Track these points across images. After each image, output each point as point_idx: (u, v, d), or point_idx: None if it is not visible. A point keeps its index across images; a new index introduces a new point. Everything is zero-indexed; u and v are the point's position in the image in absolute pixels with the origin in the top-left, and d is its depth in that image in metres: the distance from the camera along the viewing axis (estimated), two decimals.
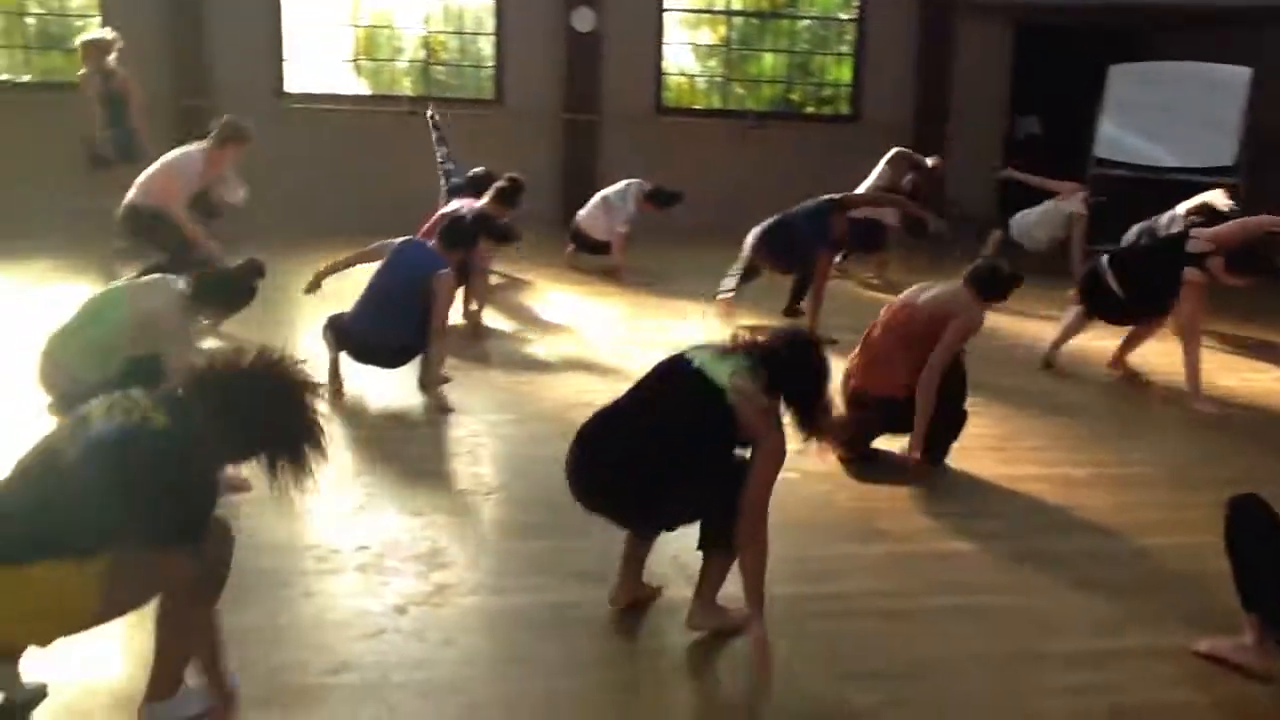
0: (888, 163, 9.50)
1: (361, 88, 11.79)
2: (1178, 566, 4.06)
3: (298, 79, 11.39)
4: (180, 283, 4.71)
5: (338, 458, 4.88)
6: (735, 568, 3.35)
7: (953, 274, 5.33)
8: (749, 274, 7.76)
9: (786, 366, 3.36)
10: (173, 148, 7.28)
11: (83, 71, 8.63)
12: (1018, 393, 6.32)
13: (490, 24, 11.71)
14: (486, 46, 11.83)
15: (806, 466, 4.91)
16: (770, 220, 7.57)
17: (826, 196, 7.60)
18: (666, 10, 12.05)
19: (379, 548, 3.91)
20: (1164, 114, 10.68)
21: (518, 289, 8.54)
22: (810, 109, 13.03)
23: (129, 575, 2.62)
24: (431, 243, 6.16)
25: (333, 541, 3.96)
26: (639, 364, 6.20)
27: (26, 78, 11.18)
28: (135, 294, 4.73)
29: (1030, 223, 9.84)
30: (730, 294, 7.68)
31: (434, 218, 7.69)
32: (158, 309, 4.62)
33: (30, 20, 11.19)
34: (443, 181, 9.05)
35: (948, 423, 4.96)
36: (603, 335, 7.24)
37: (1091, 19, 11.86)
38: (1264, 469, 5.04)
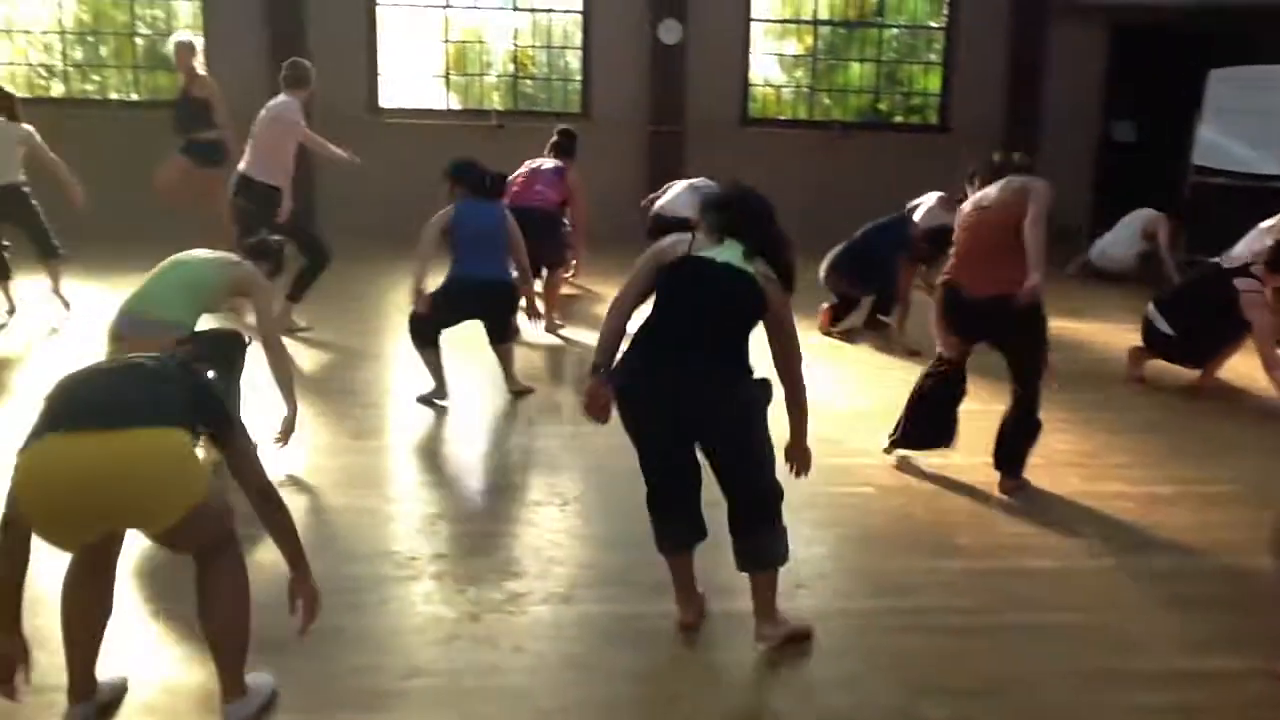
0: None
1: (452, 102, 12.01)
2: (1261, 587, 3.94)
3: (392, 94, 11.69)
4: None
5: (419, 467, 5.03)
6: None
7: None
8: (846, 304, 7.82)
9: (769, 240, 3.47)
10: None
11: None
12: (1103, 407, 6.20)
13: (578, 38, 11.84)
14: (574, 60, 11.97)
15: (883, 481, 4.90)
16: (838, 249, 7.63)
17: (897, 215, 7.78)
18: (753, 21, 12.05)
19: (455, 556, 4.00)
20: (1266, 120, 10.36)
21: (596, 301, 8.62)
22: (898, 118, 12.91)
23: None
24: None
25: (411, 549, 4.05)
26: None
27: (135, 96, 11.64)
28: (218, 257, 4.85)
29: (1107, 244, 9.78)
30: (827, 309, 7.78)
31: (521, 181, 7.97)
32: (252, 268, 4.85)
33: (139, 40, 11.63)
34: None
35: (1024, 431, 4.88)
36: None
37: (1191, 21, 11.54)
38: None
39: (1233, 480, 5.13)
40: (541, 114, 11.68)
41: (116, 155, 10.03)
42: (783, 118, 12.48)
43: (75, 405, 2.76)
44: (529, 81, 12.16)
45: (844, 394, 6.35)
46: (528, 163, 8.29)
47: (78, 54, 11.73)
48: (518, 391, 6.06)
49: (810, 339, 7.64)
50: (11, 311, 7.59)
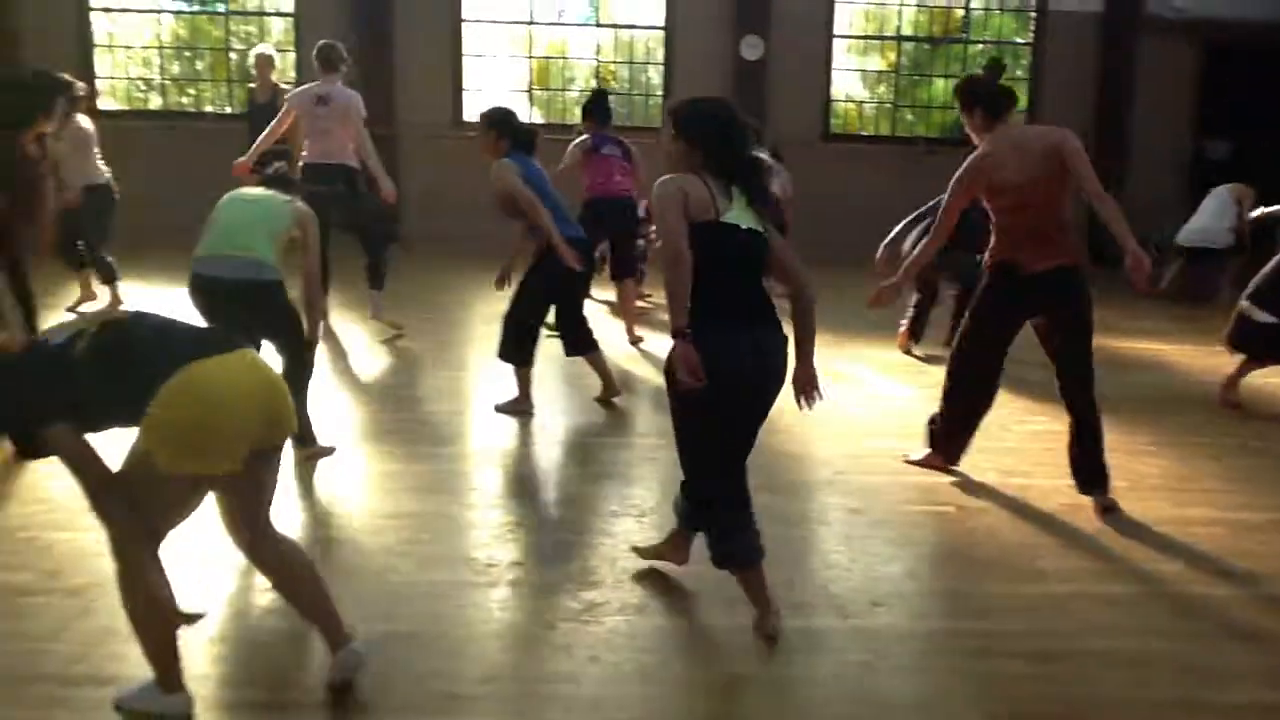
0: None
1: (535, 117, 12.14)
2: None
3: (476, 108, 11.84)
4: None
5: (498, 474, 5.08)
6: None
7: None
8: (925, 305, 7.72)
9: (766, 194, 3.63)
10: None
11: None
12: (1194, 431, 6.05)
13: (660, 54, 11.92)
14: (656, 76, 12.04)
15: (964, 500, 4.84)
16: (916, 225, 7.42)
17: None
18: (836, 37, 12.02)
19: (533, 564, 4.04)
20: None
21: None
22: None
23: None
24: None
25: (490, 556, 4.10)
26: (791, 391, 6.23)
27: (229, 109, 11.97)
28: (276, 194, 5.03)
29: (1202, 222, 9.59)
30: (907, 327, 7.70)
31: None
32: (304, 205, 5.04)
33: (233, 56, 11.97)
34: None
35: (1088, 438, 4.80)
36: None
37: None
38: None
39: None
40: (622, 129, 11.75)
41: (209, 166, 10.32)
42: (865, 133, 12.42)
43: (210, 334, 3.03)
44: (611, 97, 12.24)
45: (925, 412, 6.27)
46: (575, 148, 7.99)
47: (175, 69, 12.11)
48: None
49: (890, 357, 7.59)
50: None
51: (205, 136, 11.24)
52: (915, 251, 5.35)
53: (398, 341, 7.49)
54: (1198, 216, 9.93)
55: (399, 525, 4.33)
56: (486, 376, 6.58)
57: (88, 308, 7.99)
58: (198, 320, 4.24)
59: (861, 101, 12.54)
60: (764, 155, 8.10)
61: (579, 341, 6.15)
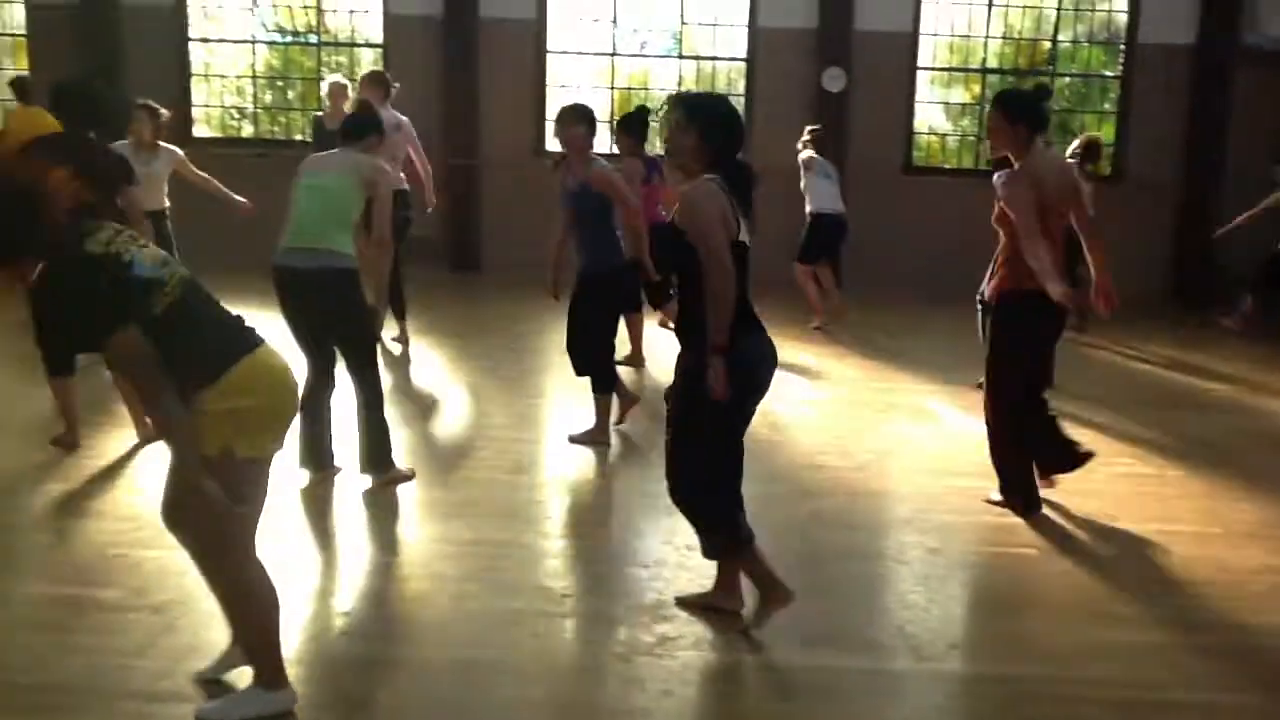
0: None
1: (615, 147, 12.22)
2: None
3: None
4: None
5: (574, 504, 5.10)
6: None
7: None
8: None
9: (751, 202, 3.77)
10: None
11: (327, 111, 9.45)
12: None
13: (741, 85, 11.95)
14: (738, 106, 12.06)
15: (1046, 543, 4.74)
16: None
17: None
18: (919, 69, 11.95)
19: (607, 595, 4.04)
20: None
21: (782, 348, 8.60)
22: None
23: None
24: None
25: (564, 586, 4.12)
26: (871, 427, 6.18)
27: None
28: (343, 171, 5.08)
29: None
30: None
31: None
32: (369, 158, 5.16)
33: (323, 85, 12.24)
34: None
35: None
36: (838, 395, 7.21)
37: None
38: None
39: None
40: None
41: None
42: (947, 166, 12.31)
43: (249, 327, 3.12)
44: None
45: None
46: (629, 169, 7.45)
47: (268, 97, 12.44)
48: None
49: (969, 394, 7.42)
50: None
51: (294, 164, 11.49)
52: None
53: (473, 369, 7.57)
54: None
55: (476, 552, 4.36)
56: (564, 405, 6.61)
57: None
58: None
59: (944, 134, 12.43)
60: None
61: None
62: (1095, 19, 12.14)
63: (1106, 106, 12.22)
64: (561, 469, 5.60)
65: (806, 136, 9.52)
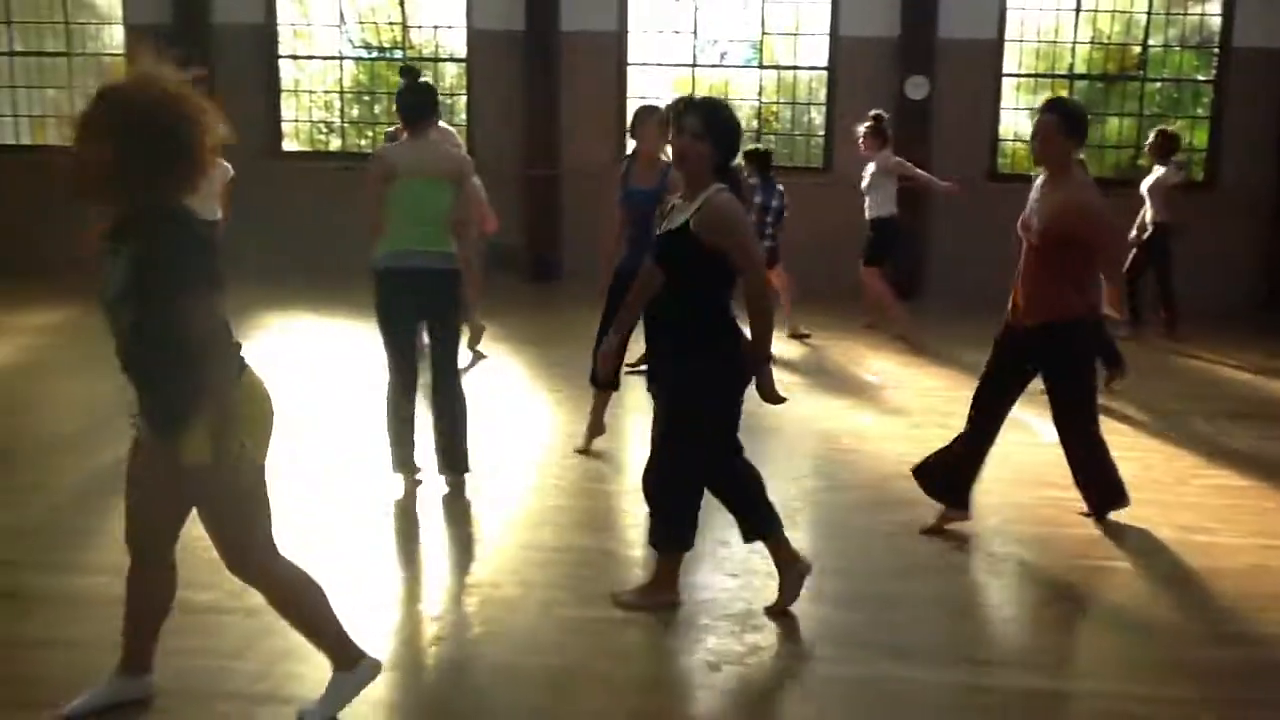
0: None
1: None
2: None
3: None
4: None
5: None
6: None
7: None
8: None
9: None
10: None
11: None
12: None
13: (823, 94, 11.89)
14: (818, 116, 12.02)
15: (1142, 558, 4.63)
16: None
17: None
18: (1005, 76, 11.79)
19: (695, 604, 4.04)
20: None
21: (843, 350, 8.55)
22: None
23: None
24: None
25: None
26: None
27: None
28: (436, 174, 5.09)
29: None
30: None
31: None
32: (455, 151, 5.29)
33: None
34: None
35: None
36: (921, 404, 7.12)
37: None
38: None
39: None
40: (783, 169, 11.77)
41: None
42: (1033, 174, 12.09)
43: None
44: (772, 137, 12.28)
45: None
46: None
47: (354, 112, 12.68)
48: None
49: None
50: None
51: None
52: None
53: (558, 379, 7.62)
54: None
55: (562, 559, 4.39)
56: (645, 412, 6.62)
57: None
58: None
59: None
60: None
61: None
62: (1187, 23, 11.86)
63: (1199, 112, 11.92)
64: (628, 474, 5.58)
65: (873, 125, 9.26)
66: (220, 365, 2.89)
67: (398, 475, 5.19)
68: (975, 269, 11.05)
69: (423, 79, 5.54)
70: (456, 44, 12.17)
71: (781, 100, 12.22)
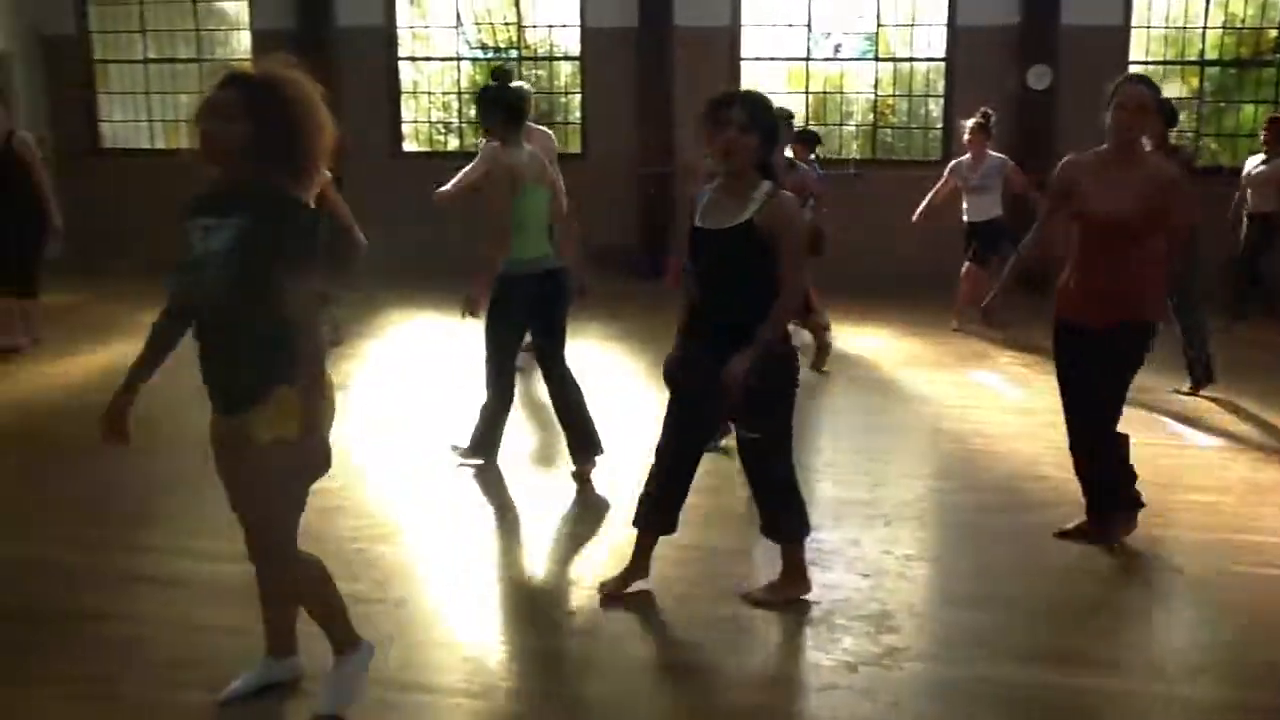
0: None
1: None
2: None
3: None
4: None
5: None
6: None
7: None
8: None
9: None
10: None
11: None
12: None
13: (941, 85, 11.70)
14: (935, 108, 11.82)
15: None
16: None
17: None
18: (1131, 64, 11.43)
19: (829, 604, 4.01)
20: None
21: (966, 347, 8.41)
22: None
23: None
24: None
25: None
26: None
27: None
28: (537, 182, 5.27)
29: None
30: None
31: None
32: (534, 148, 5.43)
33: None
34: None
35: None
36: (1046, 404, 6.93)
37: None
38: None
39: None
40: (899, 163, 11.63)
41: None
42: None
43: None
44: (889, 131, 12.13)
45: (1239, 462, 5.83)
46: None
47: (472, 112, 12.87)
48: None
49: (1195, 403, 7.04)
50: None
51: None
52: None
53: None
54: None
55: (695, 557, 4.40)
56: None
57: None
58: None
59: None
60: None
61: None
62: None
63: None
64: None
65: (982, 122, 9.05)
66: (309, 345, 2.93)
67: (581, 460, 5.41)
68: None
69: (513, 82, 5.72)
70: (570, 43, 12.28)
71: (898, 93, 12.05)
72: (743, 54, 11.93)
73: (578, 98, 12.26)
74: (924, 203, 9.25)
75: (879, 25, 11.84)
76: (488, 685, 3.46)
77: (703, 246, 3.79)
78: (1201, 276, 6.92)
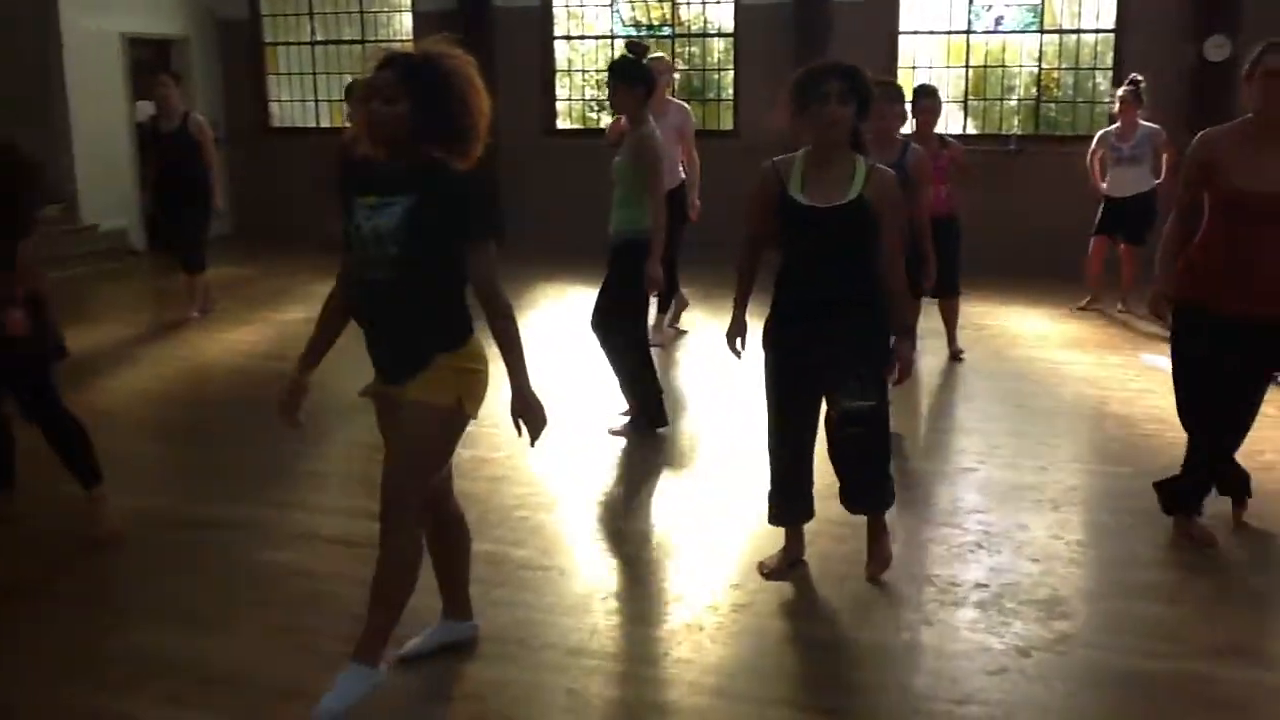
0: None
1: (969, 127, 11.85)
2: None
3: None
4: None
5: (957, 495, 4.97)
6: None
7: None
8: None
9: None
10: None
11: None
12: None
13: (1109, 58, 11.25)
14: (1103, 81, 11.37)
15: None
16: None
17: None
18: None
19: (997, 588, 3.95)
20: None
21: (1147, 335, 8.12)
22: None
23: None
24: None
25: (952, 575, 4.07)
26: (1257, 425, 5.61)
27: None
28: (628, 156, 5.53)
29: None
30: None
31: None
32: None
33: (676, 76, 12.61)
34: None
35: None
36: None
37: None
38: None
39: None
40: (1062, 138, 11.24)
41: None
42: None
43: None
44: (1053, 105, 11.73)
45: None
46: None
47: None
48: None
49: None
50: None
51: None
52: None
53: None
54: None
55: (858, 535, 4.37)
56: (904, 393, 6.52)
57: None
58: None
59: None
60: None
61: None
62: None
63: None
64: (946, 459, 5.52)
65: (1134, 90, 8.65)
66: (501, 309, 3.02)
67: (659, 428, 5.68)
68: None
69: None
70: (724, 19, 12.23)
71: (1063, 66, 11.63)
72: (900, 28, 11.69)
73: (730, 74, 12.20)
74: (1095, 172, 8.92)
75: None
76: (649, 654, 3.52)
77: (809, 223, 3.72)
78: None
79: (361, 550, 4.23)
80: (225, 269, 9.99)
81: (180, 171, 8.40)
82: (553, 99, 12.69)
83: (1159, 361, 7.30)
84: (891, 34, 11.65)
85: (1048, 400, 6.46)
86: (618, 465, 5.35)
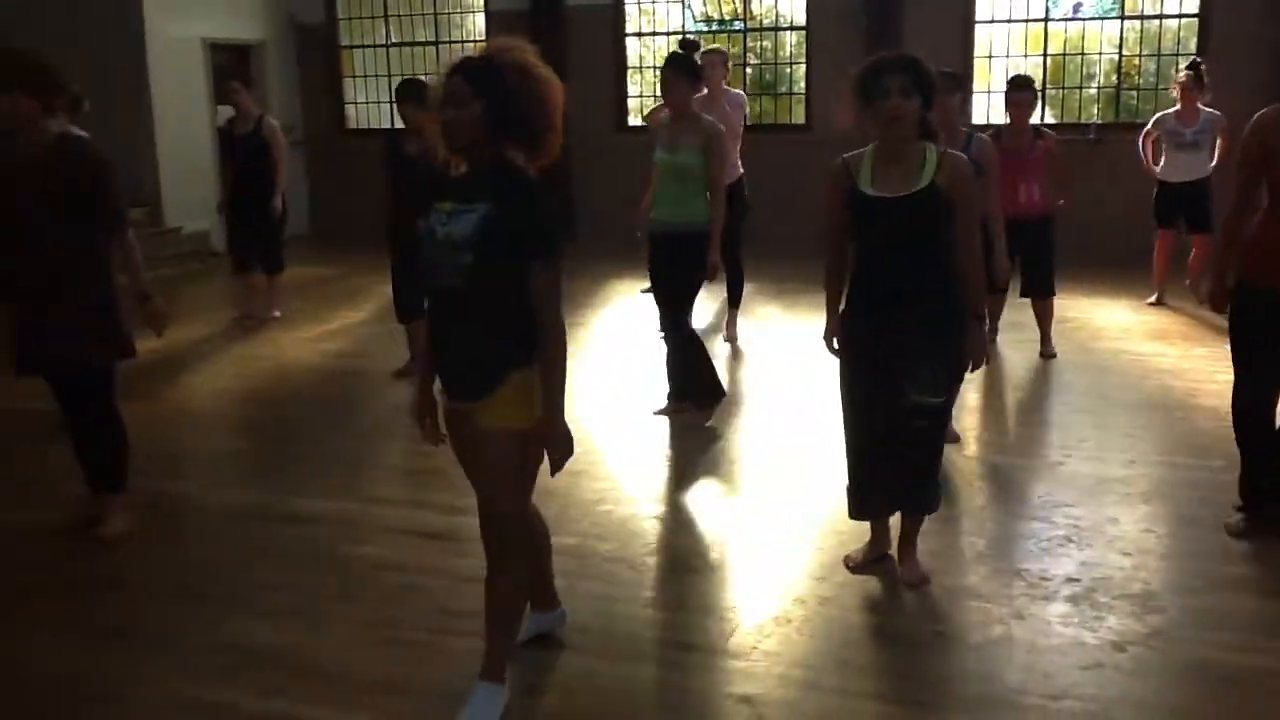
0: None
1: (1048, 116, 11.64)
2: None
3: (983, 110, 11.56)
4: None
5: (1045, 488, 4.89)
6: None
7: None
8: None
9: None
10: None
11: None
12: None
13: (1192, 43, 10.99)
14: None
15: None
16: None
17: None
18: None
19: (1089, 582, 3.89)
20: None
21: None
22: None
23: None
24: None
25: (1042, 569, 4.01)
26: None
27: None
28: (688, 150, 5.65)
29: None
30: None
31: None
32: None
33: (748, 70, 12.58)
34: None
35: None
36: None
37: None
38: None
39: None
40: (1139, 127, 11.00)
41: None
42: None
43: None
44: (1134, 93, 11.49)
45: None
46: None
47: None
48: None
49: None
50: None
51: None
52: None
53: None
54: None
55: (944, 530, 4.33)
56: (973, 381, 6.42)
57: None
58: None
59: None
60: None
61: None
62: None
63: None
64: (1042, 453, 5.45)
65: (1195, 74, 8.36)
66: (549, 330, 2.93)
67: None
68: None
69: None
70: (796, 13, 12.16)
71: (1145, 52, 11.38)
72: (976, 17, 11.53)
73: (802, 68, 12.13)
74: (1148, 155, 8.68)
75: None
76: (737, 647, 3.51)
77: (878, 214, 3.67)
78: None
79: (447, 544, 4.33)
80: (303, 269, 10.17)
81: (254, 175, 8.56)
82: (624, 96, 12.73)
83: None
84: (967, 22, 11.50)
85: (1133, 393, 6.34)
86: (694, 460, 5.35)
